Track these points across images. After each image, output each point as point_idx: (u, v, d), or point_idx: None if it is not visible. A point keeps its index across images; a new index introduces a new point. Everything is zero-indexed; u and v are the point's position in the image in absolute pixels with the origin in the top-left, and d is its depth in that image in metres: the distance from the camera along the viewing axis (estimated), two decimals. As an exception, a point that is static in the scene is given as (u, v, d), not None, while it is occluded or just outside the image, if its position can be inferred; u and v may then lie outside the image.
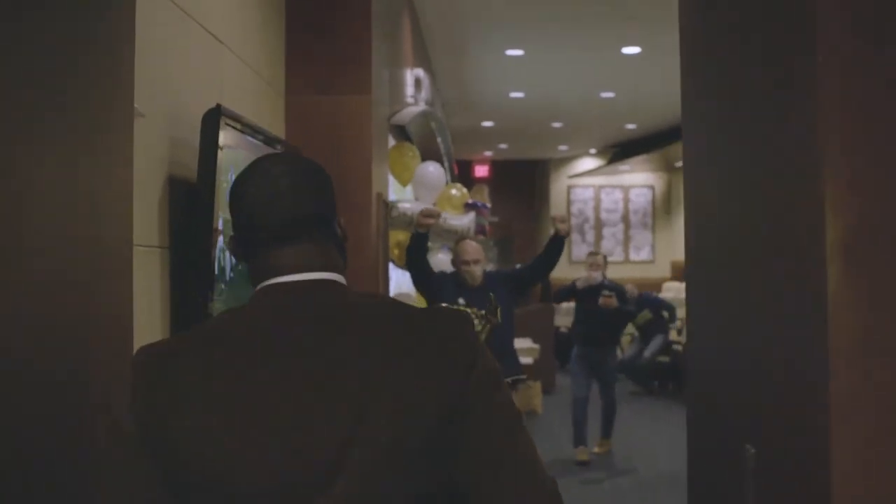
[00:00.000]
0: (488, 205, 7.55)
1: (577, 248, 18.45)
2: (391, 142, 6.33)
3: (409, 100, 7.06)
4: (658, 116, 14.24)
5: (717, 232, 2.41)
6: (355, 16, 4.87)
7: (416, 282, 5.45)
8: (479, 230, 6.91)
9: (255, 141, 3.37)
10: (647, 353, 11.60)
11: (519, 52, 9.82)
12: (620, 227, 19.38)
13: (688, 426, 2.58)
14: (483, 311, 5.01)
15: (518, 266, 9.87)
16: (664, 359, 11.68)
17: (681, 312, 12.97)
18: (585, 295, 7.90)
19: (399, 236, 7.49)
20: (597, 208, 19.42)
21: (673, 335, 11.82)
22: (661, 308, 11.74)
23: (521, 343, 8.68)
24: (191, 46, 3.13)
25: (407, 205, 6.83)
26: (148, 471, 1.35)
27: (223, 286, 3.08)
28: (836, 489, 1.71)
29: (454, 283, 5.40)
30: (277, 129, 4.44)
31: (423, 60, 9.14)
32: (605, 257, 8.18)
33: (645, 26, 8.68)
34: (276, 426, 1.32)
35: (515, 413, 1.41)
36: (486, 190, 8.92)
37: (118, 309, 2.01)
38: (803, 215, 1.83)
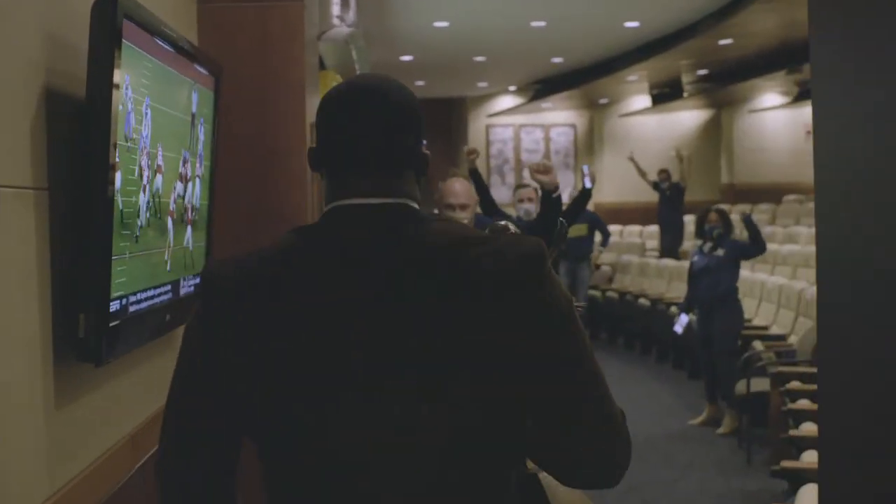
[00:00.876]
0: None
1: (498, 191, 17.76)
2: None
3: (336, 21, 6.20)
4: (588, 49, 13.55)
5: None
6: None
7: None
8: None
9: (165, 46, 2.53)
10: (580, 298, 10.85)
11: (450, -27, 8.98)
12: (542, 167, 18.75)
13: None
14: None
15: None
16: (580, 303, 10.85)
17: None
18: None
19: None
20: (517, 148, 18.79)
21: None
22: (598, 227, 11.01)
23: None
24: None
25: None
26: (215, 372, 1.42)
27: (130, 241, 2.28)
28: None
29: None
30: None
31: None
32: (536, 190, 7.20)
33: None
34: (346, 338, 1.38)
35: (586, 344, 1.42)
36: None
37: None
38: None
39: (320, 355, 1.38)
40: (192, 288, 3.11)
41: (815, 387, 5.45)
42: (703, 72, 15.05)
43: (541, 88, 17.19)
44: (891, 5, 1.47)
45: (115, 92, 2.09)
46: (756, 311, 8.68)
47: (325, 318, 1.38)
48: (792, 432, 4.79)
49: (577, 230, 10.43)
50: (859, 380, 1.58)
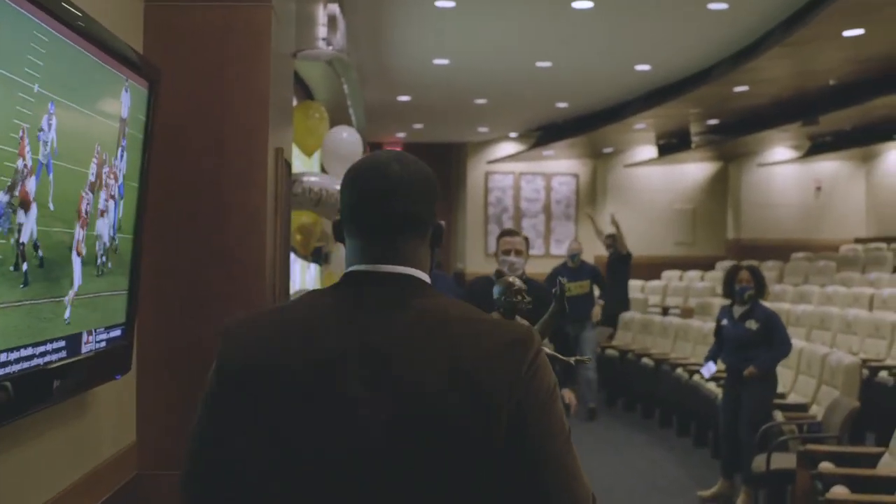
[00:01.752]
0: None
1: (493, 241, 17.18)
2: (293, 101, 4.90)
3: (321, 43, 5.60)
4: (595, 92, 13.00)
5: None
6: None
7: None
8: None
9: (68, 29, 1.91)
10: (591, 374, 10.01)
11: (450, 5, 8.39)
12: (541, 217, 18.17)
13: None
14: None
15: None
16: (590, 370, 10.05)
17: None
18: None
19: (303, 218, 6.08)
20: (516, 197, 18.23)
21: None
22: (598, 281, 10.32)
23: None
24: None
25: (314, 178, 5.49)
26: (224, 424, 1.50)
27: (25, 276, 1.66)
28: None
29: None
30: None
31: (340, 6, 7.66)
32: (526, 239, 5.61)
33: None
34: (330, 405, 1.45)
35: (564, 427, 1.47)
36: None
37: None
38: None
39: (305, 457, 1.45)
40: (105, 343, 2.46)
41: (852, 470, 4.80)
42: (712, 121, 14.52)
43: (543, 135, 16.63)
44: None
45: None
46: (772, 377, 7.97)
47: (315, 416, 1.45)
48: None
49: (580, 287, 9.77)
50: None
